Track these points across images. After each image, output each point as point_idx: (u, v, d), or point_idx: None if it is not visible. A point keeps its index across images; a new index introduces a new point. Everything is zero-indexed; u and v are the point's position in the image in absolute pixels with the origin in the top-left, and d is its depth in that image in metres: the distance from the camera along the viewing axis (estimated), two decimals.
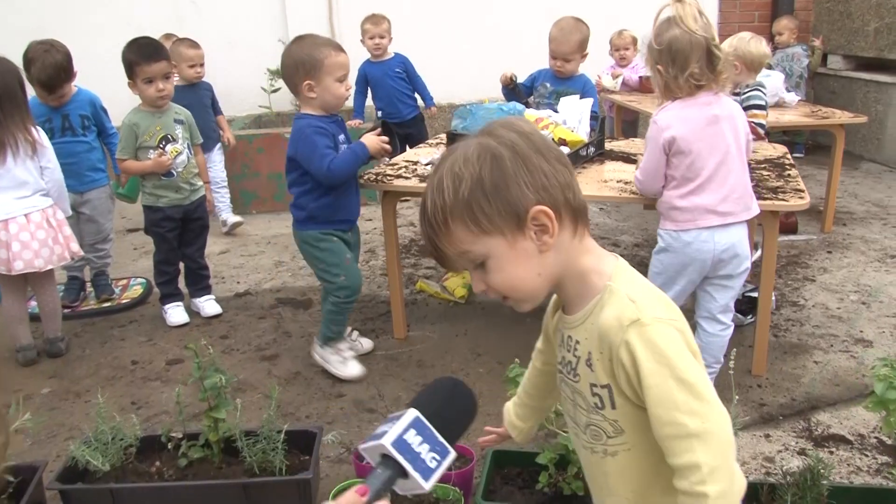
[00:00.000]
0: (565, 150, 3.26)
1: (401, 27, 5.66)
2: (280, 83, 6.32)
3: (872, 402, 1.88)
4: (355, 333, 3.58)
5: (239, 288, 4.45)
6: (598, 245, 1.30)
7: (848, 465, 2.64)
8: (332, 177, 3.07)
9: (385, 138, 3.17)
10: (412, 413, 1.15)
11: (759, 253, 4.58)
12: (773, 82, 5.14)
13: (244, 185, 5.99)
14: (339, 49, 3.07)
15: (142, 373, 3.47)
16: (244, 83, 6.80)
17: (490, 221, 1.18)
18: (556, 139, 3.26)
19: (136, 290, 4.37)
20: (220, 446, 2.44)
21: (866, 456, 2.69)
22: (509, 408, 1.71)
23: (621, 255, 1.32)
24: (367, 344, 3.56)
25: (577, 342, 1.28)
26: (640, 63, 5.97)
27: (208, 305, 4.06)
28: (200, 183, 3.97)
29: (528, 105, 3.84)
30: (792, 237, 4.87)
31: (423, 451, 1.12)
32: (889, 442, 2.71)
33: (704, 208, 2.70)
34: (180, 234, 3.95)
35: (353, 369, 3.32)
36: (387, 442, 1.10)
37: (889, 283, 4.17)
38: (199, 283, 4.09)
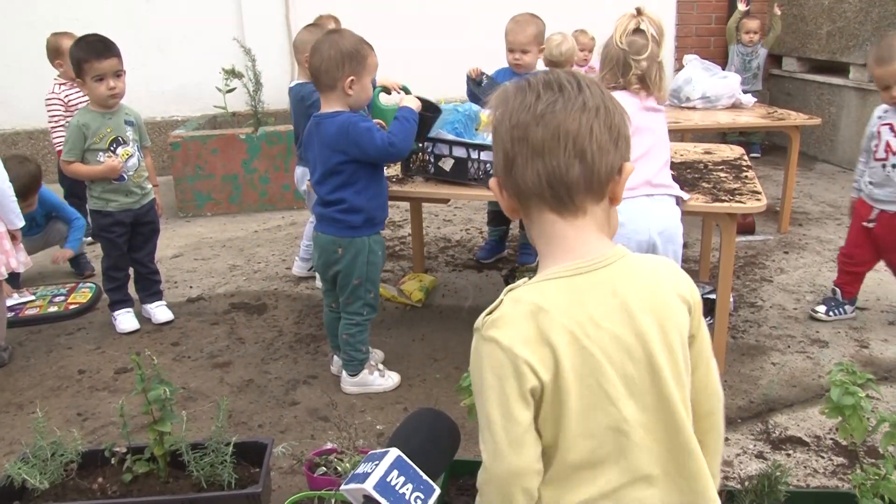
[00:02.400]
0: None
1: (355, 28, 5.56)
2: (235, 83, 6.20)
3: (829, 408, 1.86)
4: None
5: (192, 293, 4.35)
6: (579, 241, 1.24)
7: (805, 467, 2.64)
8: (396, 150, 2.91)
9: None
10: (394, 453, 1.12)
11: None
12: (729, 83, 5.18)
13: (198, 186, 5.87)
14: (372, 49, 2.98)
15: (89, 382, 3.36)
16: (198, 82, 6.67)
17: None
18: None
19: (85, 294, 4.24)
20: (167, 460, 2.35)
21: (822, 458, 2.69)
22: None
23: None
24: (379, 353, 3.43)
25: None
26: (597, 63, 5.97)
27: (159, 311, 3.95)
28: (150, 186, 3.85)
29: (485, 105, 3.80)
30: (749, 238, 4.89)
31: (407, 491, 1.10)
32: (844, 443, 2.72)
33: (643, 180, 2.79)
34: (129, 239, 3.83)
35: (395, 377, 3.24)
36: (369, 486, 1.08)
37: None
38: (150, 288, 3.98)
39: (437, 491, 1.12)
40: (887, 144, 3.49)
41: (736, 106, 5.18)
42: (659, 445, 1.23)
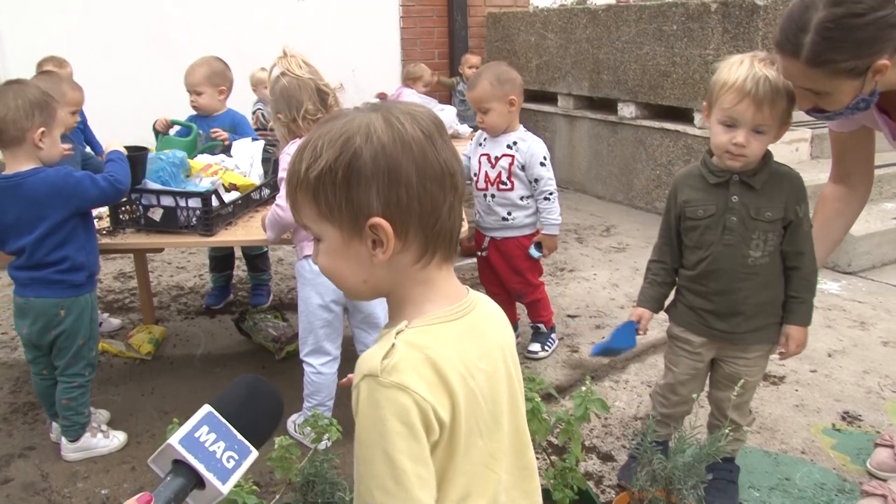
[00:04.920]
0: (234, 195, 3.24)
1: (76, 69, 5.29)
2: None
3: None
4: None
5: None
6: (451, 286, 1.23)
7: None
8: (123, 185, 2.86)
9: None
10: (205, 409, 1.04)
11: None
12: (446, 115, 5.52)
13: None
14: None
15: None
16: None
17: (331, 210, 1.13)
18: (226, 185, 3.22)
19: None
20: None
21: (539, 458, 2.92)
22: None
23: None
24: (104, 413, 3.28)
25: None
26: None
27: None
28: None
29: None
30: (473, 260, 5.19)
31: (219, 449, 1.00)
32: (557, 443, 2.97)
33: None
34: None
35: (120, 436, 3.12)
36: (174, 441, 0.98)
37: (558, 294, 4.60)
38: None
39: (254, 453, 1.05)
40: (486, 175, 3.61)
41: (454, 136, 5.52)
42: (511, 472, 1.29)
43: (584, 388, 2.18)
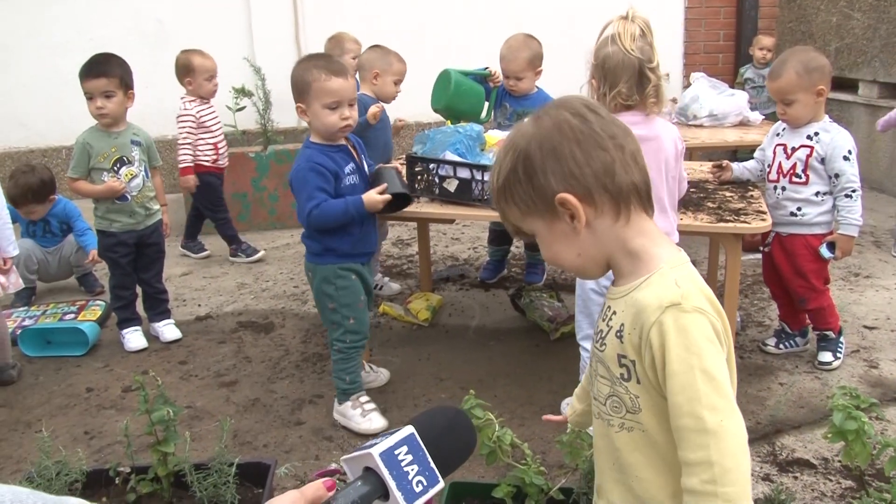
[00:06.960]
0: None
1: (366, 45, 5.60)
2: (245, 102, 6.25)
3: (832, 433, 1.85)
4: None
5: (200, 311, 4.36)
6: (666, 237, 1.36)
7: (812, 490, 2.62)
8: (311, 224, 2.86)
9: (387, 197, 2.92)
10: (409, 429, 1.07)
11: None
12: (736, 101, 5.18)
13: None
14: (335, 74, 2.79)
15: (96, 400, 3.38)
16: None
17: (527, 205, 1.30)
18: None
19: (95, 312, 4.26)
20: (171, 480, 2.35)
21: (830, 481, 2.67)
22: (575, 392, 1.77)
23: None
24: (384, 374, 3.41)
25: (614, 312, 1.33)
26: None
27: (167, 330, 3.97)
28: (157, 207, 3.88)
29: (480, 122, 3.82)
30: (757, 255, 4.86)
31: (412, 471, 1.03)
32: (853, 466, 2.69)
33: None
34: (135, 259, 3.85)
35: (376, 422, 3.02)
36: (375, 452, 1.02)
37: (853, 301, 4.18)
38: (158, 307, 4.00)
39: (441, 483, 1.06)
40: (779, 166, 3.36)
41: (744, 123, 5.17)
42: None
43: None
